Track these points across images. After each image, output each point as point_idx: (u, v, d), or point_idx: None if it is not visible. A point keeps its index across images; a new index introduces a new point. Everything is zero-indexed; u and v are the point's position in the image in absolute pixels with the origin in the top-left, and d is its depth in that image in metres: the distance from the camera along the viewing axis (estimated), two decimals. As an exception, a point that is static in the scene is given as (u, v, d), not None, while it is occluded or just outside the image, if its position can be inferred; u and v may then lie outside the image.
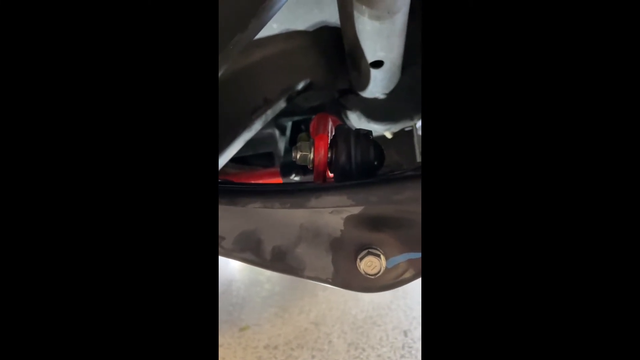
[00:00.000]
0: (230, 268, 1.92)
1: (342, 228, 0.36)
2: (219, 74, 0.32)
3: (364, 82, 0.56)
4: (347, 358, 1.30)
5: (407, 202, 0.33)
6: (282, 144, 0.77)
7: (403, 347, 1.36)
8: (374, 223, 0.35)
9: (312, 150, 0.39)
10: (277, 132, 0.76)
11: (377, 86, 0.57)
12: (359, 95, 0.62)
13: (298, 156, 0.40)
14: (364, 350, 1.36)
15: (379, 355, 1.30)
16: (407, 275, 0.36)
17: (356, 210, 0.34)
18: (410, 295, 1.77)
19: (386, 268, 0.35)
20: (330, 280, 0.37)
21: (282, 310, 1.61)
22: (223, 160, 0.56)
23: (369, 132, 0.40)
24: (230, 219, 0.37)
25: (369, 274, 0.35)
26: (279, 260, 0.38)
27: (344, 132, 0.40)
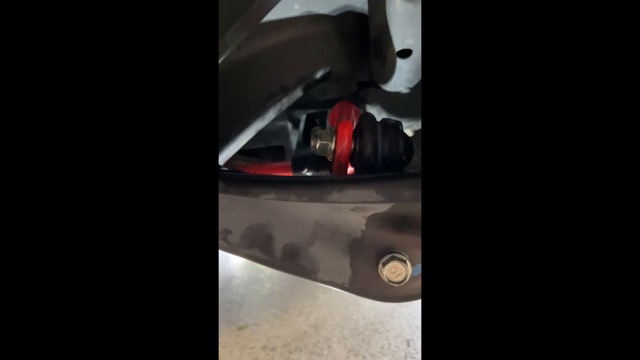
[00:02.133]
0: (230, 265, 1.89)
1: (364, 228, 0.32)
2: (241, 39, 0.29)
3: (388, 74, 0.52)
4: (347, 365, 1.26)
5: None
6: (294, 138, 0.74)
7: (405, 357, 1.31)
8: (400, 224, 0.31)
9: (335, 139, 0.35)
10: (289, 125, 0.73)
11: (402, 79, 0.53)
12: (380, 88, 0.58)
13: (317, 145, 0.36)
14: (364, 357, 1.32)
15: (380, 364, 1.26)
16: (434, 284, 0.32)
17: (383, 208, 0.30)
18: (413, 304, 1.72)
19: (412, 276, 0.31)
20: (346, 286, 0.33)
21: (281, 311, 1.58)
22: (233, 149, 0.52)
23: (399, 123, 0.36)
24: (239, 211, 0.33)
25: (393, 282, 0.31)
26: (291, 259, 0.34)
27: (370, 120, 0.36)
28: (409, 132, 0.64)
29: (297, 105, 0.71)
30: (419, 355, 1.29)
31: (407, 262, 0.31)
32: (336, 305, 1.67)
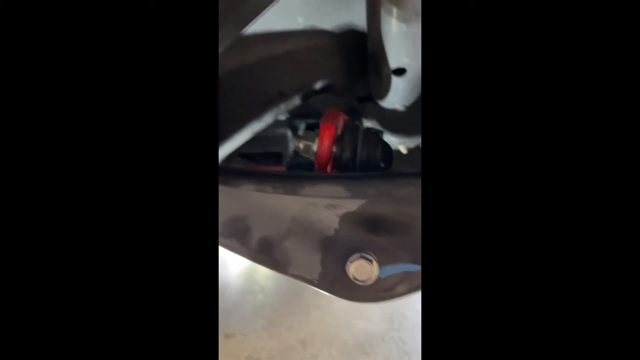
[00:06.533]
0: (226, 273, 1.88)
1: (337, 227, 0.34)
2: (232, 37, 0.31)
3: (384, 90, 0.54)
4: (330, 385, 1.22)
5: (408, 201, 0.30)
6: (292, 145, 0.76)
7: (391, 383, 1.27)
8: (372, 224, 0.32)
9: (317, 140, 0.37)
10: (289, 133, 0.75)
11: (398, 96, 0.55)
12: (377, 104, 0.60)
13: (301, 146, 0.38)
14: (348, 379, 1.28)
15: (363, 387, 1.22)
16: (401, 289, 0.33)
17: (353, 206, 0.32)
18: (405, 328, 1.68)
19: (378, 277, 0.32)
20: (315, 282, 0.34)
21: (270, 324, 1.55)
22: (230, 147, 0.55)
23: (379, 132, 0.38)
24: (223, 201, 0.35)
25: (358, 280, 0.32)
26: (264, 252, 0.35)
27: (352, 126, 0.38)
28: (402, 150, 0.66)
29: (298, 115, 0.73)
30: (405, 383, 1.24)
31: (374, 262, 0.32)
32: (327, 323, 1.64)
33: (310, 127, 0.75)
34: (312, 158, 0.38)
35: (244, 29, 0.32)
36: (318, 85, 0.56)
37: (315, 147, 0.37)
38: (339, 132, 0.39)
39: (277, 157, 0.76)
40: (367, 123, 0.64)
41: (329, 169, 0.38)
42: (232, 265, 1.79)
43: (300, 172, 0.35)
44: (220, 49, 0.32)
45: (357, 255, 0.32)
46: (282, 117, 0.73)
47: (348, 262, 0.32)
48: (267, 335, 1.47)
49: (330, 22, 0.52)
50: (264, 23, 0.50)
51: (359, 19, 0.52)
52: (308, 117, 0.73)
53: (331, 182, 0.32)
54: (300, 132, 0.73)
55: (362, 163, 0.36)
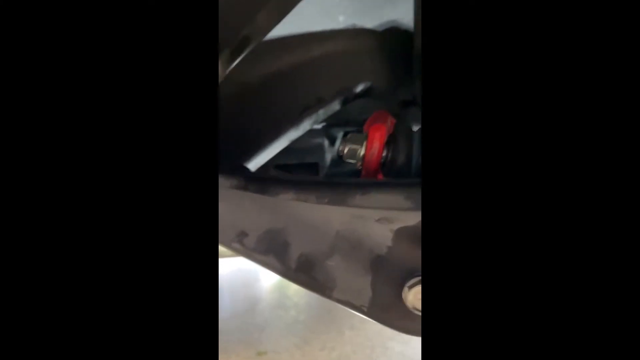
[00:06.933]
0: (258, 287, 1.87)
1: (390, 244, 0.28)
2: (265, 35, 0.28)
3: None
4: (367, 414, 1.14)
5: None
6: (329, 156, 0.73)
7: (435, 417, 1.15)
8: (433, 242, 0.27)
9: (365, 143, 0.33)
10: (326, 143, 0.72)
11: None
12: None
13: (346, 150, 0.34)
14: (387, 409, 1.18)
15: (404, 420, 1.12)
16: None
17: (412, 220, 0.26)
18: (449, 356, 1.55)
19: (442, 306, 0.26)
20: (364, 309, 0.29)
21: (303, 342, 1.50)
22: (266, 156, 0.52)
23: None
24: (257, 212, 0.31)
25: (418, 310, 0.26)
26: (305, 271, 0.31)
27: (405, 128, 0.33)
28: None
29: (336, 123, 0.70)
30: (452, 418, 1.13)
31: (438, 288, 0.26)
32: (362, 345, 1.56)
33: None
34: (359, 164, 0.34)
35: (287, 14, 0.29)
36: (359, 88, 0.52)
37: (362, 151, 0.33)
38: (387, 135, 0.34)
39: (313, 168, 0.73)
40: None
41: (379, 176, 0.33)
42: (264, 280, 1.77)
43: (347, 179, 0.30)
44: (262, 38, 0.29)
45: (417, 279, 0.26)
46: (318, 126, 0.71)
47: (405, 288, 0.27)
48: (299, 354, 1.42)
49: (373, 19, 0.49)
50: (302, 23, 0.47)
51: (404, 16, 0.48)
52: (346, 125, 0.70)
53: (388, 191, 0.27)
54: (338, 141, 0.69)
55: (418, 168, 0.31)
